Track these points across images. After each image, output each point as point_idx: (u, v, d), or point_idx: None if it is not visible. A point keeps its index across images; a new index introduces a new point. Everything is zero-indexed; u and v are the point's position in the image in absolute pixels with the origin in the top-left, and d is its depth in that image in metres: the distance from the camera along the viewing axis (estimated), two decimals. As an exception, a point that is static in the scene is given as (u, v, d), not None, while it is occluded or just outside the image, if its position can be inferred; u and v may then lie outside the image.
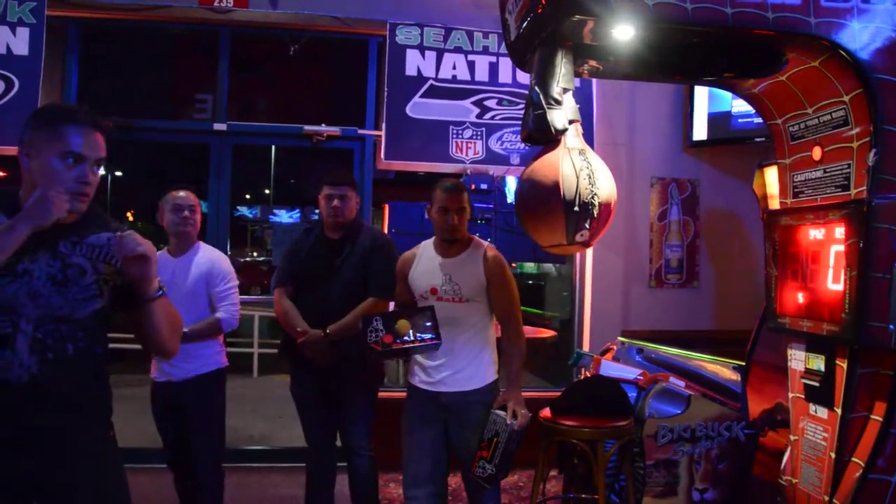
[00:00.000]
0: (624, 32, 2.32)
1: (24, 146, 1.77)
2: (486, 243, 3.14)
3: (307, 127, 4.97)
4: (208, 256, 3.38)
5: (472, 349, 3.03)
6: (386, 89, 4.79)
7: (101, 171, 1.87)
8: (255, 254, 16.04)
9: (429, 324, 2.92)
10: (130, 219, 17.83)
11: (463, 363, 3.02)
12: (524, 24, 2.47)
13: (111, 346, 3.68)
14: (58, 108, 2.01)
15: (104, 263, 1.82)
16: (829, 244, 2.44)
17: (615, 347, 3.85)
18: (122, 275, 1.81)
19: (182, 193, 3.36)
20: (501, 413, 2.90)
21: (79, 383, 1.81)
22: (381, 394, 3.50)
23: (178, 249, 3.35)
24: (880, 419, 2.31)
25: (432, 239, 3.19)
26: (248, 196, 16.37)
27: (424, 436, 3.05)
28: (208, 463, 3.28)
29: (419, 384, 3.09)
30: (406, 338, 2.89)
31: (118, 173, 17.79)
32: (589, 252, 5.06)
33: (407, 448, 3.10)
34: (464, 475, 3.11)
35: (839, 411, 2.40)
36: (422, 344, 2.90)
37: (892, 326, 2.24)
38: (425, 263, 3.13)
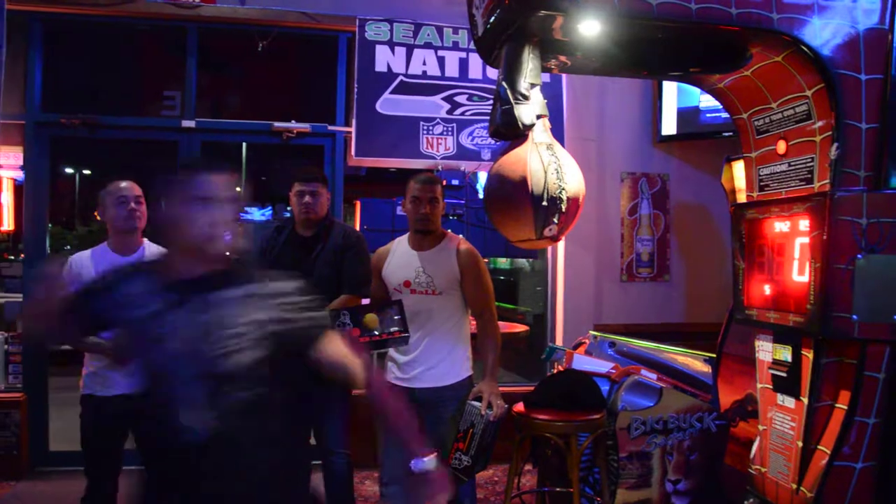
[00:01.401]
0: (590, 28, 2.33)
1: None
2: (459, 237, 3.18)
3: (277, 123, 4.93)
4: None
5: (447, 344, 3.04)
6: (356, 85, 4.77)
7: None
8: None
9: (397, 317, 2.93)
10: (98, 218, 17.55)
11: (437, 358, 3.03)
12: (491, 20, 2.47)
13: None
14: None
15: (259, 311, 1.71)
16: (793, 237, 2.47)
17: (587, 341, 3.88)
18: (283, 324, 1.72)
19: (124, 184, 3.07)
20: (476, 404, 2.92)
21: (253, 438, 1.68)
22: (355, 391, 3.49)
23: (125, 247, 3.08)
24: (845, 407, 2.35)
25: (406, 234, 3.20)
26: (219, 194, 16.24)
27: None
28: None
29: (393, 380, 3.08)
30: (374, 332, 2.91)
31: (86, 172, 17.47)
32: (561, 247, 5.09)
33: (383, 445, 3.09)
34: None
35: (805, 401, 2.44)
36: (390, 337, 2.91)
37: (855, 317, 2.28)
38: (399, 257, 3.15)
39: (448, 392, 3.02)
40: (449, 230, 3.27)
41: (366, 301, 3.31)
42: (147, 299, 1.67)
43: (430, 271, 3.05)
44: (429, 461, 1.74)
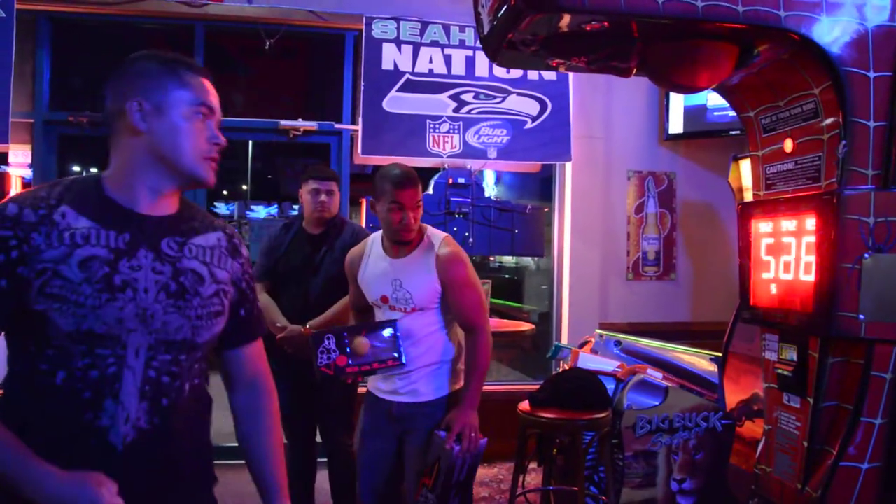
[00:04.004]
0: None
1: (134, 99, 1.32)
2: (441, 237, 2.67)
3: (283, 122, 4.93)
4: None
5: (429, 357, 2.67)
6: (362, 84, 4.77)
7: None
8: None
9: (389, 343, 2.57)
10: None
11: (418, 375, 2.65)
12: (496, 18, 2.47)
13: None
14: (162, 55, 1.42)
15: (220, 269, 1.41)
16: (800, 235, 2.46)
17: (593, 340, 3.88)
18: (237, 288, 1.47)
19: None
20: (443, 434, 2.49)
21: (192, 437, 1.39)
22: (360, 388, 3.49)
23: None
24: (851, 408, 2.35)
25: (381, 232, 2.76)
26: (224, 192, 16.27)
27: (374, 449, 2.74)
28: None
29: (374, 390, 2.78)
30: (363, 359, 2.56)
31: (93, 169, 17.55)
32: (567, 245, 5.09)
33: (358, 460, 2.82)
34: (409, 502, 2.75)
35: (811, 400, 2.43)
36: (382, 366, 2.57)
37: (861, 316, 2.27)
38: (374, 264, 2.73)
39: (424, 408, 2.64)
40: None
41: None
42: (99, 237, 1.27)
43: (408, 286, 2.60)
44: None
